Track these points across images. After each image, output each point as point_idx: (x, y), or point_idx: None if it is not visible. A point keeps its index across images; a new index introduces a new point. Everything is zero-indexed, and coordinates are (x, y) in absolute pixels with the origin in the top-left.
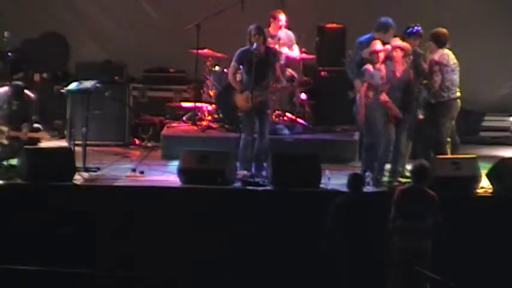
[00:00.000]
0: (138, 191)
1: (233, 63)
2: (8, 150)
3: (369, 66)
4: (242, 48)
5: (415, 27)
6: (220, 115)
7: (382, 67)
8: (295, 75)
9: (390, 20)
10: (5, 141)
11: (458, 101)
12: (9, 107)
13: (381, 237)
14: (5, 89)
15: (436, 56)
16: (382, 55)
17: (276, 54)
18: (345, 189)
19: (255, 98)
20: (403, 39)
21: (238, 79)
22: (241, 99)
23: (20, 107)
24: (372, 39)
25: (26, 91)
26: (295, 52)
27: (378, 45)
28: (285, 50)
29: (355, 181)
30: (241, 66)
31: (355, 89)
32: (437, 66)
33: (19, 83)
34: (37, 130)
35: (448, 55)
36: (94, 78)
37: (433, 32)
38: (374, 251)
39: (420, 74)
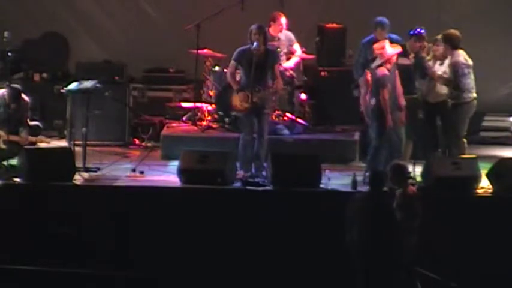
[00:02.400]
0: (138, 191)
1: (232, 62)
2: (7, 153)
3: (384, 70)
4: (242, 47)
5: (417, 29)
6: (220, 115)
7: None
8: (295, 76)
9: (385, 19)
10: (3, 146)
11: None
12: (6, 111)
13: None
14: (2, 91)
15: (462, 58)
16: (394, 59)
17: (275, 55)
18: (344, 189)
19: (254, 98)
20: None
21: (237, 79)
22: (237, 99)
23: (17, 110)
24: (373, 40)
25: (22, 94)
26: (297, 52)
27: (385, 50)
28: (286, 65)
29: (376, 179)
30: (239, 66)
31: (359, 87)
32: (467, 68)
33: (17, 86)
34: (37, 133)
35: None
36: (94, 78)
37: (447, 34)
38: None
39: (424, 77)
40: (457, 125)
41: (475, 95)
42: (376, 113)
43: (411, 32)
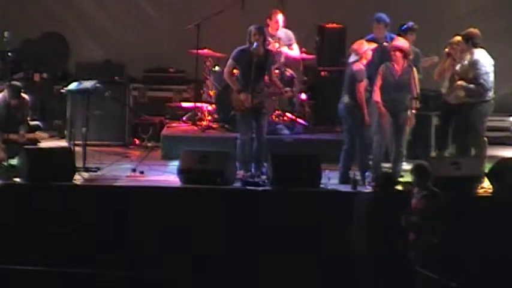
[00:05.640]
0: (138, 191)
1: (230, 61)
2: (8, 152)
3: (359, 66)
4: (241, 47)
5: (409, 23)
6: (220, 115)
7: (381, 67)
8: (295, 75)
9: (383, 15)
10: (2, 145)
11: None
12: (7, 111)
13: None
14: (1, 94)
15: (483, 56)
16: (369, 53)
17: (274, 56)
18: (344, 189)
19: (255, 99)
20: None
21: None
22: (238, 99)
23: (18, 108)
24: (373, 39)
25: (22, 92)
26: (295, 51)
27: (362, 46)
28: (284, 50)
29: (385, 180)
30: (237, 66)
31: None
32: (489, 66)
33: (17, 83)
34: (35, 130)
35: None
36: (94, 78)
37: (467, 33)
38: (398, 249)
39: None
40: (476, 124)
41: (493, 95)
42: (351, 109)
43: (404, 28)
